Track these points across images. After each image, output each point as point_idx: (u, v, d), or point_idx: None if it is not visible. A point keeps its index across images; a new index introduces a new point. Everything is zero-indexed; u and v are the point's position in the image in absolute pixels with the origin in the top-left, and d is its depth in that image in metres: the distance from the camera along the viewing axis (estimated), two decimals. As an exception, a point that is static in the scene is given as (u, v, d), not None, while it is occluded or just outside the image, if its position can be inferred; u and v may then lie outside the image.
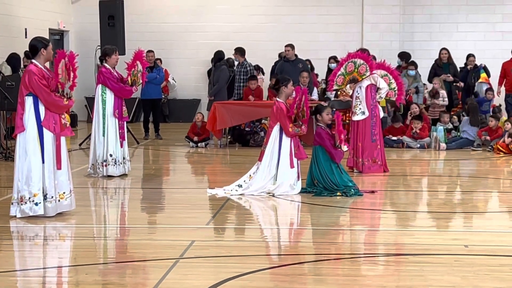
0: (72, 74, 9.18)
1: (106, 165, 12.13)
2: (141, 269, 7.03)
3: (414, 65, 17.91)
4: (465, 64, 18.60)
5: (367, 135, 12.63)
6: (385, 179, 12.40)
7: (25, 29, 19.52)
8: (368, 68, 12.55)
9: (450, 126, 16.70)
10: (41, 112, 8.88)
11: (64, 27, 22.24)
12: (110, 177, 12.13)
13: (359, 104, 12.61)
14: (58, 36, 22.48)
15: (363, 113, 12.57)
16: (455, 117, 17.17)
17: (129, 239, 8.36)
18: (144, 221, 9.42)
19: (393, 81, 12.89)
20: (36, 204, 8.89)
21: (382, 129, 13.29)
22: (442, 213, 9.80)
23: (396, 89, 12.89)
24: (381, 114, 12.94)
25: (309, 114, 10.75)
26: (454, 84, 18.15)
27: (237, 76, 17.52)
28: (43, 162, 8.89)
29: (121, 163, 12.26)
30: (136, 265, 7.11)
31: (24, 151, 8.89)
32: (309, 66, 19.25)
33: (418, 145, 16.21)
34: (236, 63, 17.89)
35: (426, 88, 18.22)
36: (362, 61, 12.63)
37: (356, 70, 12.66)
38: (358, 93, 12.65)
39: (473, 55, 18.59)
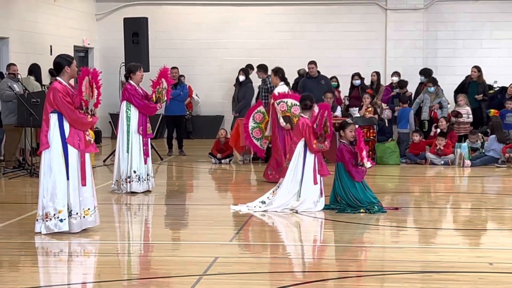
0: (96, 91, 9.23)
1: (130, 182, 12.19)
2: (165, 285, 7.04)
3: (433, 81, 17.81)
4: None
5: None
6: (409, 196, 12.34)
7: (50, 46, 19.68)
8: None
9: (478, 144, 16.56)
10: (65, 129, 8.93)
11: (88, 44, 22.41)
12: (133, 193, 12.18)
13: None
14: (83, 53, 22.66)
15: None
16: (480, 134, 17.06)
17: (153, 255, 8.38)
18: (168, 238, 9.44)
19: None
20: (61, 220, 8.93)
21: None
22: (467, 230, 9.74)
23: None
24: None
25: (333, 130, 10.75)
26: (483, 101, 18.04)
27: (260, 93, 17.54)
28: (67, 178, 8.94)
29: (144, 180, 12.31)
30: (160, 281, 7.13)
31: (49, 168, 8.95)
32: (336, 83, 19.31)
33: (442, 162, 16.13)
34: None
35: (449, 103, 18.13)
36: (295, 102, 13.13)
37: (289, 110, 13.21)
38: None
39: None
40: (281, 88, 13.94)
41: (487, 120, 17.76)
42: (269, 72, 17.51)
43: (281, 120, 13.29)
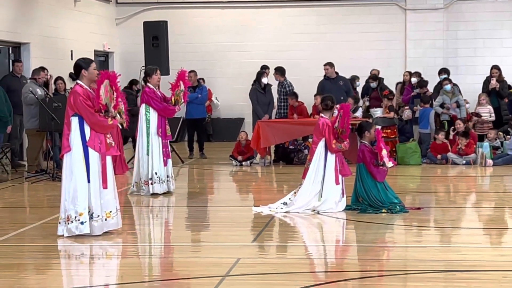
0: (114, 94, 9.21)
1: (150, 184, 12.22)
2: (187, 286, 7.05)
3: (448, 79, 17.69)
4: None
5: None
6: (431, 195, 12.29)
7: (71, 51, 19.78)
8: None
9: (497, 143, 16.48)
10: (86, 132, 8.96)
11: (109, 48, 22.50)
12: (154, 195, 12.20)
13: None
14: (103, 58, 22.75)
15: None
16: (500, 133, 16.97)
17: (175, 257, 8.40)
18: (190, 239, 9.45)
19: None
20: (82, 223, 8.95)
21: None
22: (489, 229, 9.69)
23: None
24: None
25: (351, 130, 10.70)
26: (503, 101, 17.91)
27: (278, 95, 17.52)
28: (88, 181, 8.96)
29: (164, 181, 12.34)
30: (182, 282, 7.14)
31: (70, 171, 8.98)
32: (359, 83, 19.29)
33: (464, 162, 16.05)
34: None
35: (468, 102, 18.01)
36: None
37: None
38: None
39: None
40: None
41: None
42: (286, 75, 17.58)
43: None
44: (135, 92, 18.05)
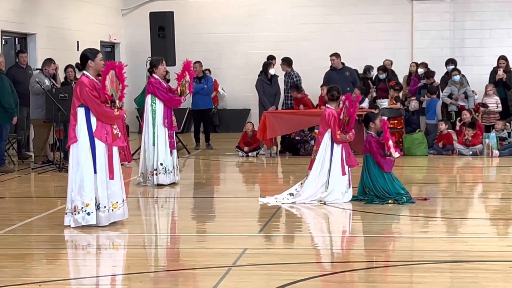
0: (120, 85, 9.18)
1: (156, 174, 12.23)
2: (193, 277, 7.06)
3: (457, 70, 17.65)
4: None
5: None
6: (437, 186, 12.28)
7: (77, 41, 19.78)
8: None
9: (504, 134, 16.44)
10: (92, 123, 8.95)
11: (115, 39, 22.49)
12: (160, 186, 12.21)
13: None
14: (110, 48, 22.75)
15: None
16: (508, 124, 16.92)
17: (181, 247, 8.40)
18: (196, 230, 9.46)
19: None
20: (89, 213, 8.95)
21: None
22: (496, 219, 9.68)
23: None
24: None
25: (357, 121, 10.68)
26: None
27: (285, 86, 17.47)
28: (95, 172, 8.96)
29: (171, 172, 12.35)
30: (188, 273, 7.14)
31: (76, 162, 8.97)
32: (373, 73, 19.26)
33: (470, 152, 16.02)
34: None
35: (476, 94, 17.97)
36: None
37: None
38: None
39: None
40: None
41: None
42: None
43: None
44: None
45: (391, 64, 19.70)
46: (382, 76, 18.84)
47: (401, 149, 16.20)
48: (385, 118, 14.58)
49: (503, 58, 18.02)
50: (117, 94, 9.07)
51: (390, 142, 10.52)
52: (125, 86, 9.18)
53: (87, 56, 9.08)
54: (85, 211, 8.95)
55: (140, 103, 16.95)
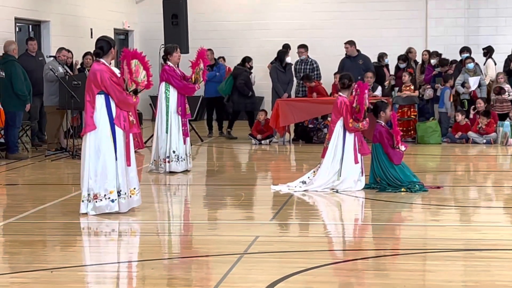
0: (144, 72, 9.20)
1: (169, 162, 12.25)
2: (206, 264, 7.07)
3: (471, 58, 17.56)
4: None
5: None
6: (450, 174, 12.24)
7: (91, 29, 19.81)
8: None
9: (518, 122, 16.36)
10: (113, 110, 8.96)
11: (128, 27, 22.50)
12: (172, 173, 12.23)
13: None
14: (123, 36, 22.76)
15: None
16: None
17: (193, 234, 8.42)
18: (208, 217, 9.47)
19: None
20: (112, 201, 8.95)
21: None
22: (509, 208, 9.65)
23: None
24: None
25: (367, 110, 10.64)
26: None
27: (301, 73, 17.45)
28: (116, 159, 8.98)
29: (183, 160, 12.36)
30: (200, 260, 7.16)
31: (97, 149, 8.92)
32: (387, 60, 19.14)
33: (484, 141, 15.96)
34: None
35: (492, 82, 17.89)
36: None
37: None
38: None
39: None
40: None
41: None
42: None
43: None
44: (248, 69, 18.11)
45: (415, 53, 19.50)
46: (403, 65, 18.71)
47: (413, 137, 16.20)
48: (397, 105, 14.60)
49: None
50: (139, 81, 9.12)
51: (399, 136, 10.53)
52: (150, 75, 9.21)
53: (110, 43, 9.12)
54: (109, 198, 8.94)
55: (224, 90, 17.15)
